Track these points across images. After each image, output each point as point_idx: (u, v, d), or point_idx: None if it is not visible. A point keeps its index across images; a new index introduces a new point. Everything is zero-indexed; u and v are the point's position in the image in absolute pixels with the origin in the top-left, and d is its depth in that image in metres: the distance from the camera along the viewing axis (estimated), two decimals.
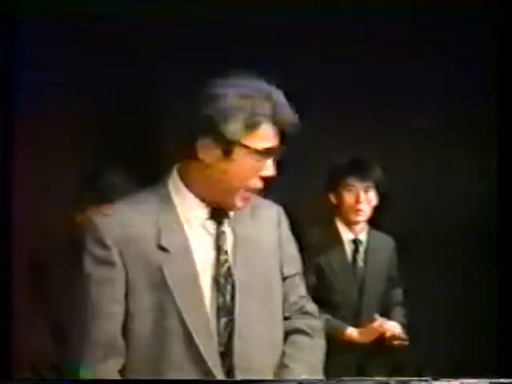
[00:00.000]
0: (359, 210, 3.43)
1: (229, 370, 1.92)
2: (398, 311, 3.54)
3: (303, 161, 3.96)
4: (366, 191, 3.43)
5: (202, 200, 1.93)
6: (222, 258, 1.95)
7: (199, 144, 1.85)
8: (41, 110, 4.15)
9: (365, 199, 3.42)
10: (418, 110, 4.37)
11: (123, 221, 1.90)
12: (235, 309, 1.93)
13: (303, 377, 2.00)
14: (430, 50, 4.40)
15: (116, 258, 1.88)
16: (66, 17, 3.98)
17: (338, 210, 3.48)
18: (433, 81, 4.42)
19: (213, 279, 1.93)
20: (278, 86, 1.92)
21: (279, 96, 1.87)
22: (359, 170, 3.42)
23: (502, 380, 2.41)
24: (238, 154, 1.85)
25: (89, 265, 1.90)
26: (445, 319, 4.34)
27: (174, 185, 1.96)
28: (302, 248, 3.25)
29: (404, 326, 3.42)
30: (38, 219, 3.90)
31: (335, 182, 3.47)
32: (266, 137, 1.86)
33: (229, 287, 1.94)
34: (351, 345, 3.32)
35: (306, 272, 3.20)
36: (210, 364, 1.89)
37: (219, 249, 1.96)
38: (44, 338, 3.00)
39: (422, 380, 2.42)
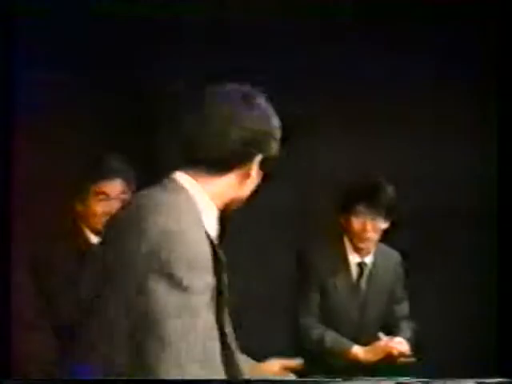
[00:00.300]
0: (365, 238, 3.42)
1: None
2: (405, 326, 3.53)
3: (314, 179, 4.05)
4: (374, 219, 3.38)
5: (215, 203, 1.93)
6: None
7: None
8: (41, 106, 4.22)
9: (371, 228, 3.39)
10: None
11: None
12: None
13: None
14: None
15: None
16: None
17: (347, 233, 3.47)
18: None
19: None
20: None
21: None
22: (368, 197, 3.37)
23: (487, 380, 2.42)
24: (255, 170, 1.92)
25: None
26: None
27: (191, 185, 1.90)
28: (309, 267, 3.42)
29: (410, 341, 3.39)
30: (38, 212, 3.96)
31: (345, 206, 3.44)
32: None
33: None
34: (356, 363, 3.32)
35: (311, 291, 3.41)
36: None
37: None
38: (46, 338, 3.01)
39: (422, 381, 2.49)
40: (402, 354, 3.27)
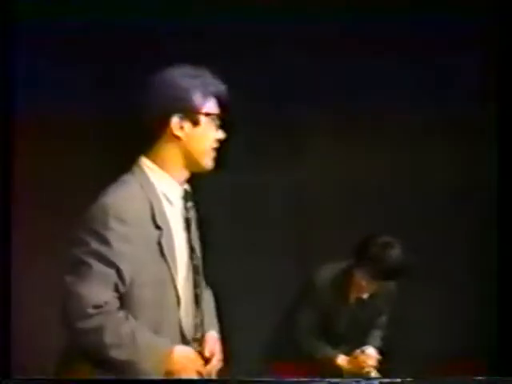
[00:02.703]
0: (363, 292, 3.70)
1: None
2: (376, 335, 3.87)
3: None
4: (374, 281, 3.63)
5: (177, 180, 2.30)
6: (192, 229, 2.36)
7: (173, 123, 2.24)
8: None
9: (369, 289, 3.67)
10: None
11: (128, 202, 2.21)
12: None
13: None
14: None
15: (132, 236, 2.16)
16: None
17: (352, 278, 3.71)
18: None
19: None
20: None
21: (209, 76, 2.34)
22: (370, 265, 3.55)
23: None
24: (203, 121, 2.27)
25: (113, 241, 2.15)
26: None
27: (149, 169, 2.28)
28: (319, 301, 3.67)
29: (380, 349, 3.77)
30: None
31: (353, 261, 3.68)
32: (215, 105, 2.31)
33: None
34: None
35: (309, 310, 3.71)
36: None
37: (188, 221, 2.34)
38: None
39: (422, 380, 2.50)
40: (371, 365, 3.66)
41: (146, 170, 2.27)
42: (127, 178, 2.27)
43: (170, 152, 2.26)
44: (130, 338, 2.13)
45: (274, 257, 4.41)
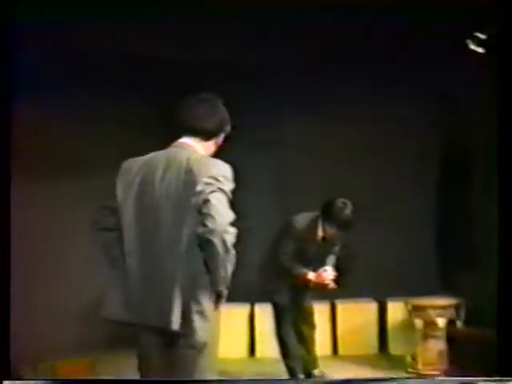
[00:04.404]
0: (325, 233, 5.14)
1: None
2: (332, 259, 5.33)
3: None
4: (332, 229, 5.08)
5: None
6: None
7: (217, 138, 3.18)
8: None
9: (329, 232, 5.09)
10: None
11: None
12: None
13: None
14: None
15: None
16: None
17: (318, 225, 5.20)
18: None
19: None
20: None
21: None
22: (331, 219, 4.99)
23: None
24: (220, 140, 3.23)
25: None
26: None
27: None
28: (296, 237, 5.19)
29: (334, 268, 5.28)
30: None
31: (320, 214, 5.13)
32: None
33: None
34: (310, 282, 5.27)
35: (290, 241, 5.26)
36: None
37: None
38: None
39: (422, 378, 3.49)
40: (327, 280, 5.19)
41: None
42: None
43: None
44: None
45: (265, 210, 6.32)
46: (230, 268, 2.91)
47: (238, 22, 5.14)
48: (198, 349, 2.92)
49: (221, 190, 2.89)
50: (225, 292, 2.95)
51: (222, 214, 2.86)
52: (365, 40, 5.57)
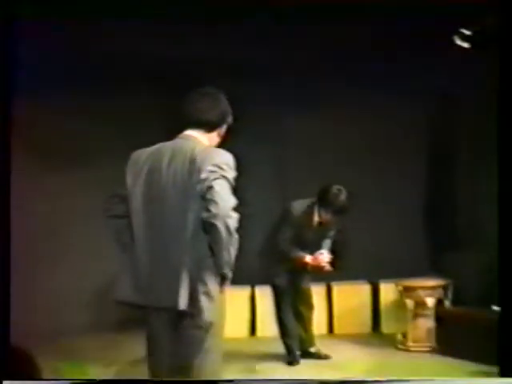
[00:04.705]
0: (321, 219, 5.42)
1: None
2: (328, 242, 5.61)
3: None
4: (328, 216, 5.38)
5: None
6: None
7: (220, 129, 3.32)
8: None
9: (325, 217, 5.37)
10: None
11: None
12: None
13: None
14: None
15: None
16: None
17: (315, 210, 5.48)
18: None
19: None
20: None
21: None
22: (327, 205, 5.29)
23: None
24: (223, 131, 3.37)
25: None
26: None
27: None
28: (293, 223, 5.46)
29: (329, 252, 5.54)
30: None
31: (316, 200, 5.42)
32: None
33: None
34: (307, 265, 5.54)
35: (288, 227, 5.53)
36: None
37: None
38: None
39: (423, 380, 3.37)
40: (324, 262, 5.46)
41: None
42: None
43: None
44: None
45: (265, 197, 6.65)
46: (233, 251, 3.04)
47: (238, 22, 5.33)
48: (205, 329, 3.05)
49: (224, 177, 3.02)
50: (229, 274, 3.07)
51: (224, 199, 2.98)
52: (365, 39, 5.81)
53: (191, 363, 3.06)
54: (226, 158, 3.11)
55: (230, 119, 3.34)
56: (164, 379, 2.87)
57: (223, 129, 3.33)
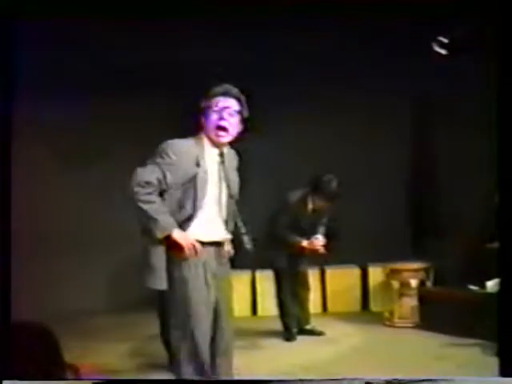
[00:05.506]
0: (315, 206, 5.86)
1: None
2: (322, 228, 5.92)
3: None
4: (320, 202, 5.83)
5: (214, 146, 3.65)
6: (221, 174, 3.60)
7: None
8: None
9: (318, 205, 5.80)
10: None
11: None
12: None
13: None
14: None
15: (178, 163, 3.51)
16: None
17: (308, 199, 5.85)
18: None
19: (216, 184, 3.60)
20: None
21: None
22: (319, 193, 5.69)
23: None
24: None
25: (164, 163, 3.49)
26: None
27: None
28: (290, 211, 5.80)
29: (323, 237, 5.87)
30: None
31: (309, 189, 5.81)
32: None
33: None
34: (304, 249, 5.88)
35: (284, 216, 5.87)
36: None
37: (220, 170, 3.62)
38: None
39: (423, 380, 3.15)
40: (319, 246, 5.81)
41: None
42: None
43: None
44: (153, 209, 3.36)
45: (264, 187, 7.06)
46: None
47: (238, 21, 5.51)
48: None
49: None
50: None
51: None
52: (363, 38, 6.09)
53: None
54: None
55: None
56: (164, 379, 3.07)
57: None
